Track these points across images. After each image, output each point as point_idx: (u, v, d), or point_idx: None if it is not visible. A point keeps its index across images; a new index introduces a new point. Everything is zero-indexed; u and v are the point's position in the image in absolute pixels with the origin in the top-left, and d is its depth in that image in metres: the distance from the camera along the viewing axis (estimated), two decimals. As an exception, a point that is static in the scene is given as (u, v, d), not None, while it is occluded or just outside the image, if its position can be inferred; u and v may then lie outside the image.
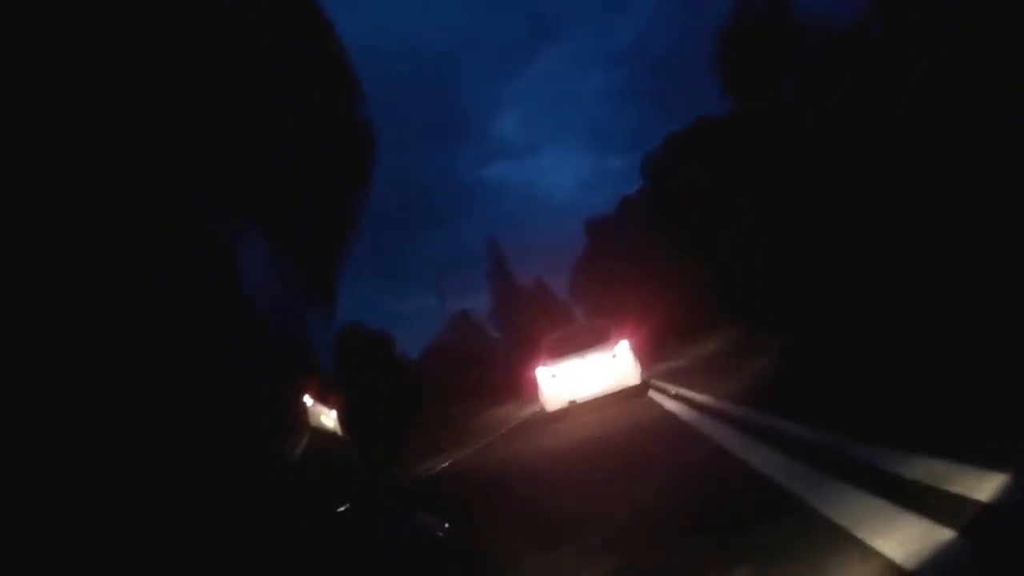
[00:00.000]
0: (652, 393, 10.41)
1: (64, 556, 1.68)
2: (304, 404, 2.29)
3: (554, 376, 10.96)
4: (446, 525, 2.76)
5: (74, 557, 1.70)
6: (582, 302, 49.48)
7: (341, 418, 2.65)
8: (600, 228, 45.90)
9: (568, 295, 52.72)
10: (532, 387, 11.87)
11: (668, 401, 8.74)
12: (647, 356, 14.49)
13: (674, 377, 11.96)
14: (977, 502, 2.36)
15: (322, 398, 2.33)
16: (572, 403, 10.70)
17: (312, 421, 2.28)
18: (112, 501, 1.76)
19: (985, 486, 2.40)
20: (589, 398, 10.65)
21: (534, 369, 11.35)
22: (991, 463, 2.50)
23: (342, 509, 2.46)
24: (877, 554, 2.22)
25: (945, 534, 2.21)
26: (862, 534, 2.38)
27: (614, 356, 10.77)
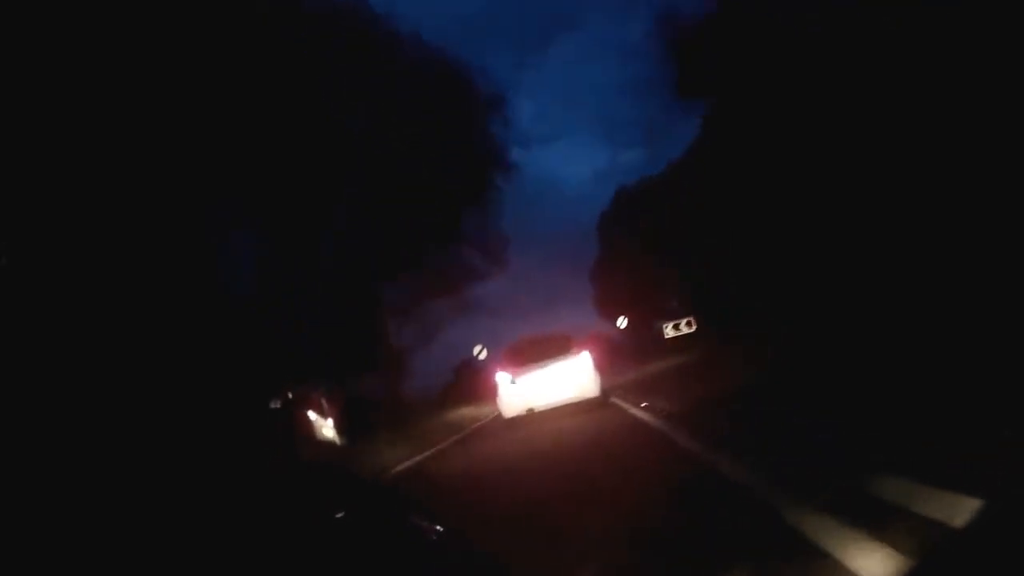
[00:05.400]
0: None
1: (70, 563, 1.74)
2: (309, 420, 2.36)
3: (514, 383, 11.27)
4: (439, 528, 2.81)
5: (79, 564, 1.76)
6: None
7: (337, 425, 2.73)
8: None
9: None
10: (492, 392, 12.14)
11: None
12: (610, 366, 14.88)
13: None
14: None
15: (321, 409, 2.41)
16: (530, 411, 11.05)
17: (317, 435, 2.35)
18: (111, 518, 1.81)
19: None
20: (547, 407, 11.01)
21: (495, 374, 11.63)
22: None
23: (339, 516, 2.52)
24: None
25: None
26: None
27: (575, 367, 11.14)
